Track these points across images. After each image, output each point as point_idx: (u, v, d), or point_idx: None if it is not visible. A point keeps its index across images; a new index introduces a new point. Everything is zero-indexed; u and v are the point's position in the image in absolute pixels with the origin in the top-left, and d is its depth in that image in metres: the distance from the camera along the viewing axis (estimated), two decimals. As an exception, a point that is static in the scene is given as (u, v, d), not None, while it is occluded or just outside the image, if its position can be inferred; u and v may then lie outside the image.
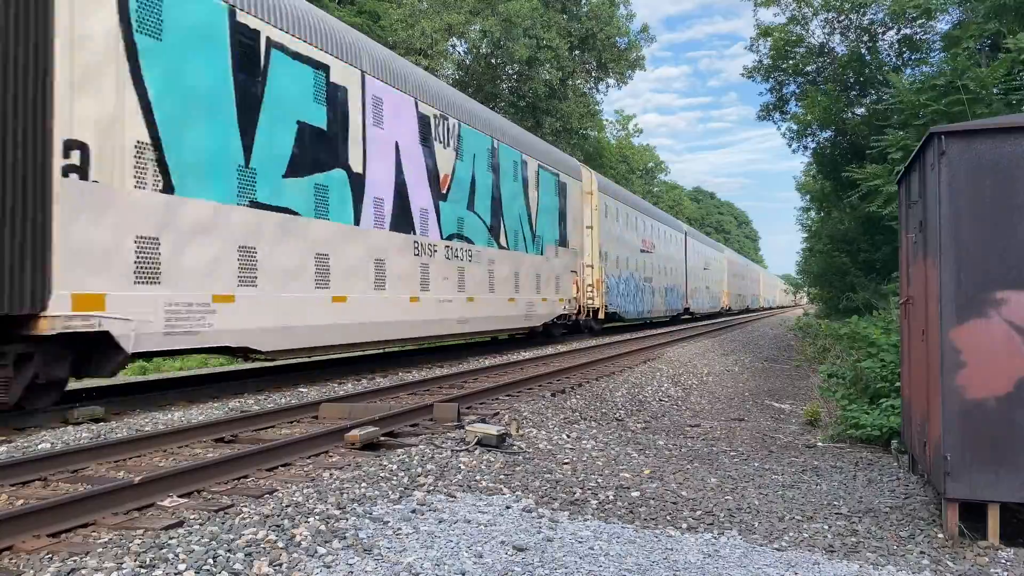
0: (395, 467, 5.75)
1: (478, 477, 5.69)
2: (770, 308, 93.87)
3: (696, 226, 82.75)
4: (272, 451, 5.90)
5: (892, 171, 11.99)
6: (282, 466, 5.83)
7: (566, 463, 6.42)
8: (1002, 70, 11.42)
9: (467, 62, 35.39)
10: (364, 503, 4.82)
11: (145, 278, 8.19)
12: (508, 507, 4.96)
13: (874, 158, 14.08)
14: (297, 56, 10.64)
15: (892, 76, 14.43)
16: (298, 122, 10.62)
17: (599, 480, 5.86)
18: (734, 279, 60.88)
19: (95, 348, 7.95)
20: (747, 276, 71.78)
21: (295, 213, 10.55)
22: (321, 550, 3.96)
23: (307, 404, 8.35)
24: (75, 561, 3.66)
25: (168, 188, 8.53)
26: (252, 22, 9.79)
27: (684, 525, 4.80)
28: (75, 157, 7.45)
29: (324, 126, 11.21)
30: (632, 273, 28.67)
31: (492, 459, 6.22)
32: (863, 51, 22.96)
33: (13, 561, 3.72)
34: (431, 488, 5.31)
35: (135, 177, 8.11)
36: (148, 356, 9.17)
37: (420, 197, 13.83)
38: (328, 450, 6.39)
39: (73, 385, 11.07)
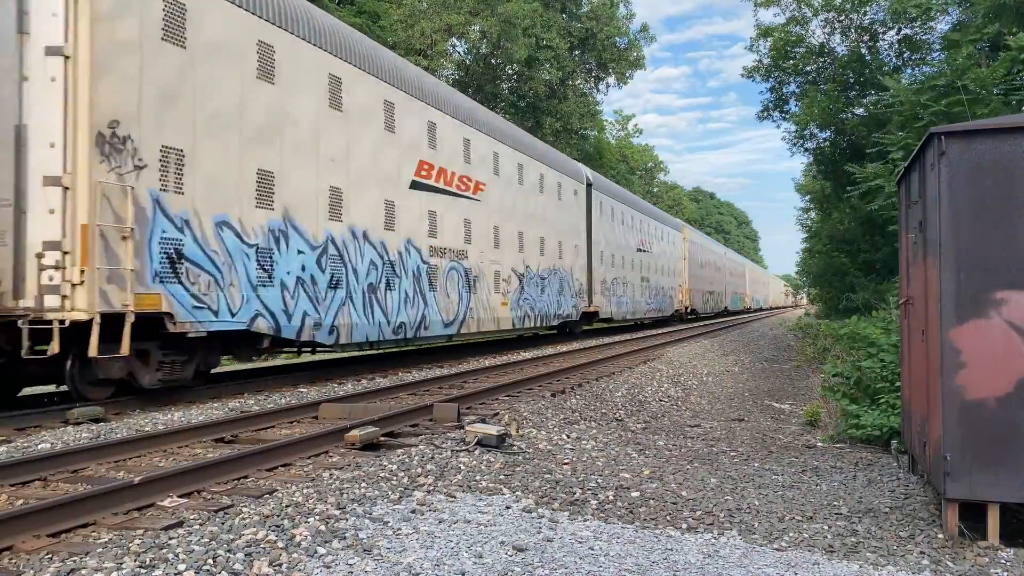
0: (395, 467, 5.75)
1: (478, 477, 5.69)
2: (760, 310, 79.67)
3: (696, 226, 75.59)
4: (272, 451, 5.90)
5: (892, 171, 12.00)
6: (282, 466, 5.83)
7: (566, 463, 6.42)
8: (1002, 70, 11.42)
9: (467, 62, 35.39)
10: (364, 503, 4.82)
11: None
12: (508, 507, 4.96)
13: (872, 158, 14.10)
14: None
15: (888, 80, 14.43)
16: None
17: (599, 480, 5.85)
18: (701, 270, 44.99)
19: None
20: (724, 267, 55.44)
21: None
22: (321, 550, 3.96)
23: (307, 404, 8.35)
24: (75, 561, 3.66)
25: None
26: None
27: (684, 525, 4.80)
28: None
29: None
30: (352, 228, 12.11)
31: (492, 459, 6.22)
32: (863, 51, 22.98)
33: (13, 561, 3.72)
34: (431, 488, 5.31)
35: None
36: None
37: None
38: (328, 450, 6.39)
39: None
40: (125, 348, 7.96)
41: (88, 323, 7.67)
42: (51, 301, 7.68)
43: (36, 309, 7.66)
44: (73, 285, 7.73)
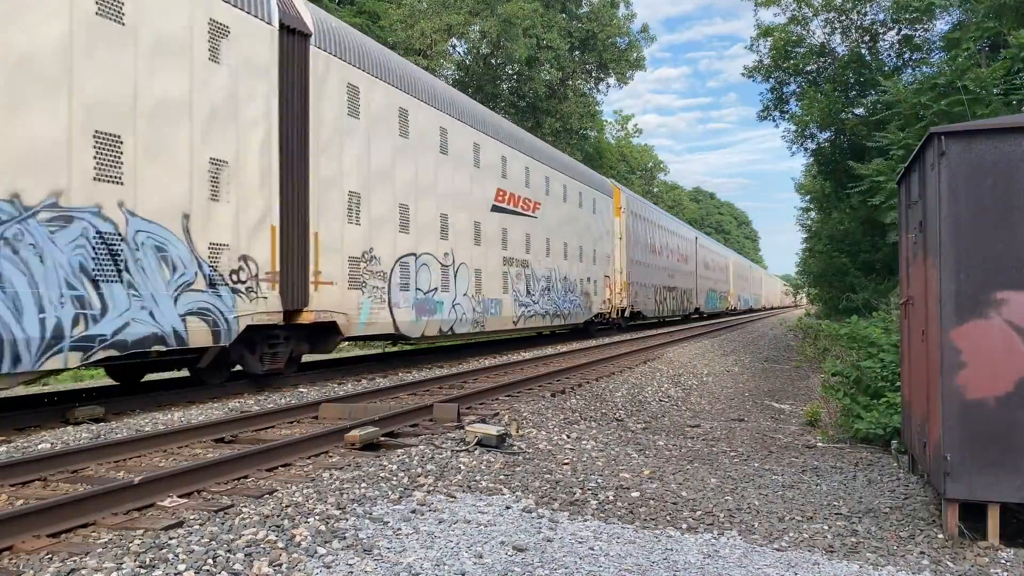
0: (395, 467, 5.75)
1: (478, 477, 5.69)
2: (751, 311, 67.97)
3: (696, 226, 72.29)
4: (272, 451, 5.90)
5: (894, 168, 12.00)
6: (282, 466, 5.83)
7: (566, 463, 6.41)
8: (1002, 71, 11.42)
9: (467, 63, 35.40)
10: (364, 503, 4.82)
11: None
12: (508, 507, 4.96)
13: (874, 155, 14.08)
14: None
15: (887, 80, 14.41)
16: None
17: (599, 480, 5.85)
18: (652, 256, 32.32)
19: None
20: (694, 256, 42.92)
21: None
22: (321, 550, 3.96)
23: (307, 404, 8.35)
24: (75, 561, 3.66)
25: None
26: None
27: (684, 525, 4.80)
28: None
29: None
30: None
31: (492, 459, 6.22)
32: (863, 51, 22.99)
33: (13, 561, 3.72)
34: (431, 488, 5.31)
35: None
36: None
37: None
38: (328, 450, 6.39)
39: (73, 385, 11.09)
40: None
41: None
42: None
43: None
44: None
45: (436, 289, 14.69)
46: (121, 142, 8.16)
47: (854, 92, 23.11)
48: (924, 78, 14.03)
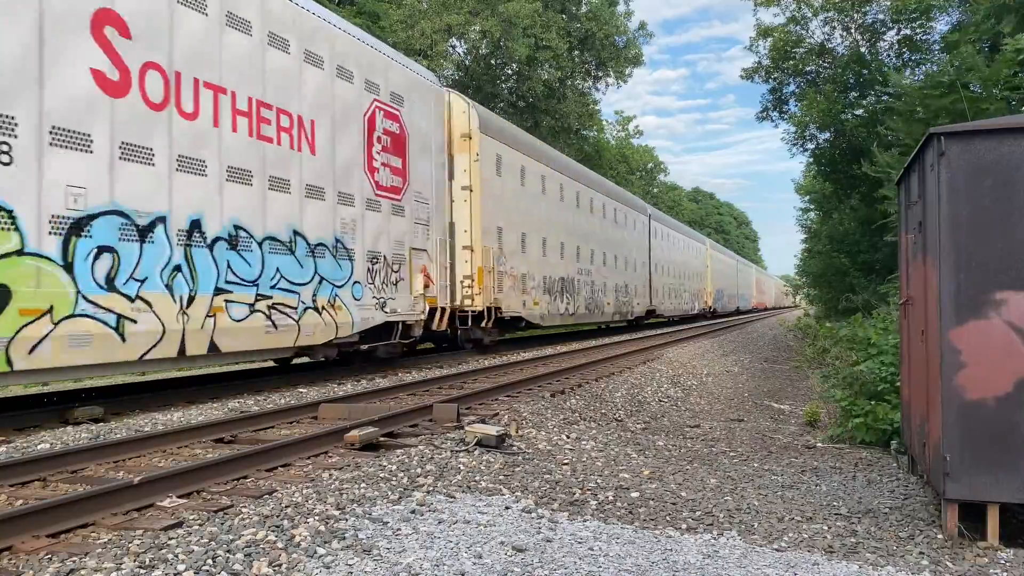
0: (394, 467, 5.75)
1: (477, 478, 5.69)
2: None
3: (696, 227, 72.30)
4: (271, 451, 5.90)
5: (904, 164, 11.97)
6: (281, 466, 5.83)
7: (565, 464, 6.42)
8: (1008, 69, 11.38)
9: (466, 63, 35.39)
10: (363, 504, 4.82)
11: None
12: (507, 507, 4.95)
13: (887, 145, 13.97)
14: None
15: (895, 74, 14.38)
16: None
17: (599, 481, 5.85)
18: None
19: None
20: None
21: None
22: (321, 551, 3.96)
23: (306, 405, 8.34)
24: (74, 561, 3.66)
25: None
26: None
27: (683, 526, 4.80)
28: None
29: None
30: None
31: (491, 460, 6.22)
32: (863, 51, 23.00)
33: (12, 561, 3.72)
34: (430, 489, 5.31)
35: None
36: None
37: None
38: (327, 450, 6.39)
39: (73, 386, 11.09)
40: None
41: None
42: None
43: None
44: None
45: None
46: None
47: (854, 93, 23.12)
48: (927, 76, 14.00)
